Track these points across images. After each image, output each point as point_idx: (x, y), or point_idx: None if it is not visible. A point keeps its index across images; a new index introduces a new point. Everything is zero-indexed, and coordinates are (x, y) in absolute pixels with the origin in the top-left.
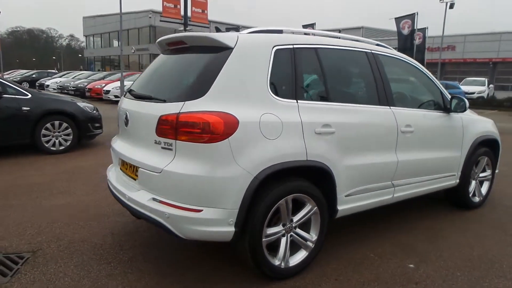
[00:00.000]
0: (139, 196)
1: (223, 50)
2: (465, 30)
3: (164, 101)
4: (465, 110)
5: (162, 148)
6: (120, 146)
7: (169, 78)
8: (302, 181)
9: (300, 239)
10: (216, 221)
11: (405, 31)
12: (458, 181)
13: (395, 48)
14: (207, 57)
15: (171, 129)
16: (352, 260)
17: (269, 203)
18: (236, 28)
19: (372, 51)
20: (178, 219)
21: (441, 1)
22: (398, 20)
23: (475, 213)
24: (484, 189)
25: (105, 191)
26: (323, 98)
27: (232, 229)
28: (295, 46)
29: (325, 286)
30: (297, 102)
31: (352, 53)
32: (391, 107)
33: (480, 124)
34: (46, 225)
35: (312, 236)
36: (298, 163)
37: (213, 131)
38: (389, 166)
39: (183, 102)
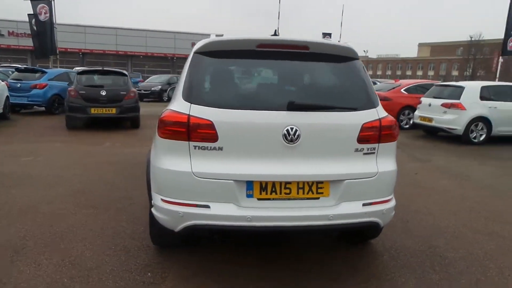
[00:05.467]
0: (348, 209)
1: (351, 60)
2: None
3: (356, 109)
4: None
5: (365, 153)
6: (269, 168)
7: (315, 85)
8: None
9: None
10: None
11: (42, 17)
12: None
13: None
14: (347, 66)
15: (376, 134)
16: None
17: None
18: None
19: None
20: (388, 211)
21: None
22: (34, 3)
23: None
24: None
25: None
26: None
27: None
28: None
29: None
30: None
31: None
32: None
33: None
34: None
35: None
36: None
37: (398, 130)
38: None
39: (375, 109)
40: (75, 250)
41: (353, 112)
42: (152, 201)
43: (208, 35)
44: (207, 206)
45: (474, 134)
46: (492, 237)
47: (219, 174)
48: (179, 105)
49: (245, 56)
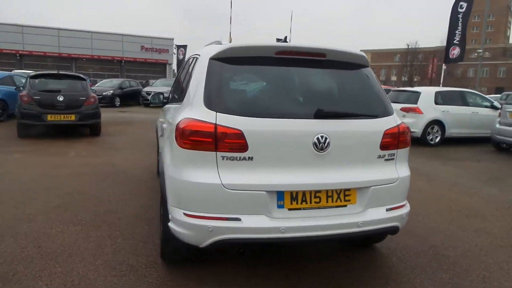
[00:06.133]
0: (373, 215)
1: (364, 67)
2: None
3: (376, 116)
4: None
5: (386, 160)
6: (299, 177)
7: (336, 92)
8: None
9: None
10: None
11: None
12: None
13: None
14: (362, 73)
15: (395, 141)
16: None
17: None
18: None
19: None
20: (406, 215)
21: None
22: None
23: None
24: None
25: None
26: None
27: None
28: None
29: None
30: None
31: None
32: None
33: None
34: None
35: None
36: None
37: (410, 136)
38: None
39: (392, 116)
40: (76, 273)
41: (375, 119)
42: (170, 216)
43: (160, 38)
44: (238, 219)
45: (430, 136)
46: (479, 234)
47: (251, 185)
48: (200, 114)
49: (264, 63)
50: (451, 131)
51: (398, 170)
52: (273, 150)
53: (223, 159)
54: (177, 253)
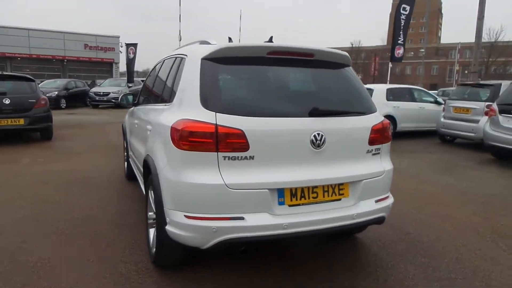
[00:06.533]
0: (365, 207)
1: (347, 67)
2: None
3: (364, 113)
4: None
5: (373, 154)
6: (298, 174)
7: (326, 91)
8: None
9: None
10: None
11: None
12: None
13: None
14: (346, 72)
15: (381, 136)
16: None
17: None
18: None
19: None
20: (391, 206)
21: None
22: None
23: None
24: None
25: None
26: None
27: None
28: None
29: None
30: None
31: None
32: None
33: None
34: None
35: None
36: None
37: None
38: None
39: (377, 113)
40: (64, 285)
41: (363, 116)
42: (167, 219)
43: (105, 36)
44: (242, 218)
45: None
46: (445, 220)
47: (253, 183)
48: (198, 114)
49: (256, 63)
50: (401, 126)
51: (383, 163)
52: (272, 149)
53: (224, 159)
54: (173, 256)
